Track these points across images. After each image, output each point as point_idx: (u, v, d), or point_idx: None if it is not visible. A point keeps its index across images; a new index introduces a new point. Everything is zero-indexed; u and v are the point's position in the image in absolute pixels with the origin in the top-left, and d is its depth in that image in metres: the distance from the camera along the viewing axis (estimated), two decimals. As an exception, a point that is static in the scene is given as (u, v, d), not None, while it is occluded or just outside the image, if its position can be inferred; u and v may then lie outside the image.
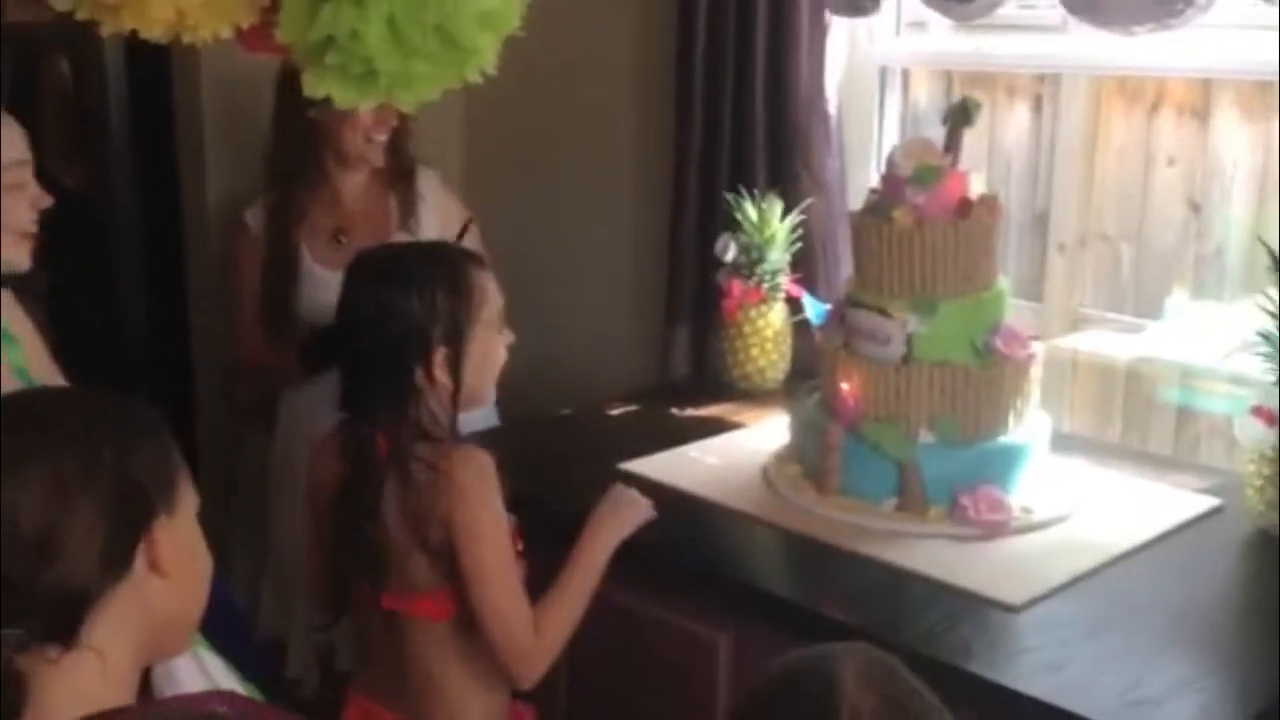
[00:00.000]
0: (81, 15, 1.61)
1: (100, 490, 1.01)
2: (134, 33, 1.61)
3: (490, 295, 1.66)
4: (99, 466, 1.01)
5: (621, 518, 1.74)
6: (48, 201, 1.57)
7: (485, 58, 1.80)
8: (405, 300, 1.58)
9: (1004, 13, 2.30)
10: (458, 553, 1.56)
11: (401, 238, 2.31)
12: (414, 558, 1.58)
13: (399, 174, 2.45)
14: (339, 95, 1.74)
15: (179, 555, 1.06)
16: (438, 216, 2.45)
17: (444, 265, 1.64)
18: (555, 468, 2.09)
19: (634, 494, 1.78)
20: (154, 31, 1.61)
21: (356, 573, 1.63)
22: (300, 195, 2.36)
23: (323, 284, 2.21)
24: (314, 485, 1.69)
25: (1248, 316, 1.83)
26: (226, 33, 1.67)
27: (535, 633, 1.61)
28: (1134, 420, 2.31)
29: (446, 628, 1.62)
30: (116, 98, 3.11)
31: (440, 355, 1.59)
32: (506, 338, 1.70)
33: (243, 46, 1.77)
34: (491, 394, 1.72)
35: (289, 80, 2.11)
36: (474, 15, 1.74)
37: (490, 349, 1.66)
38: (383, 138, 2.38)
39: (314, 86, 1.73)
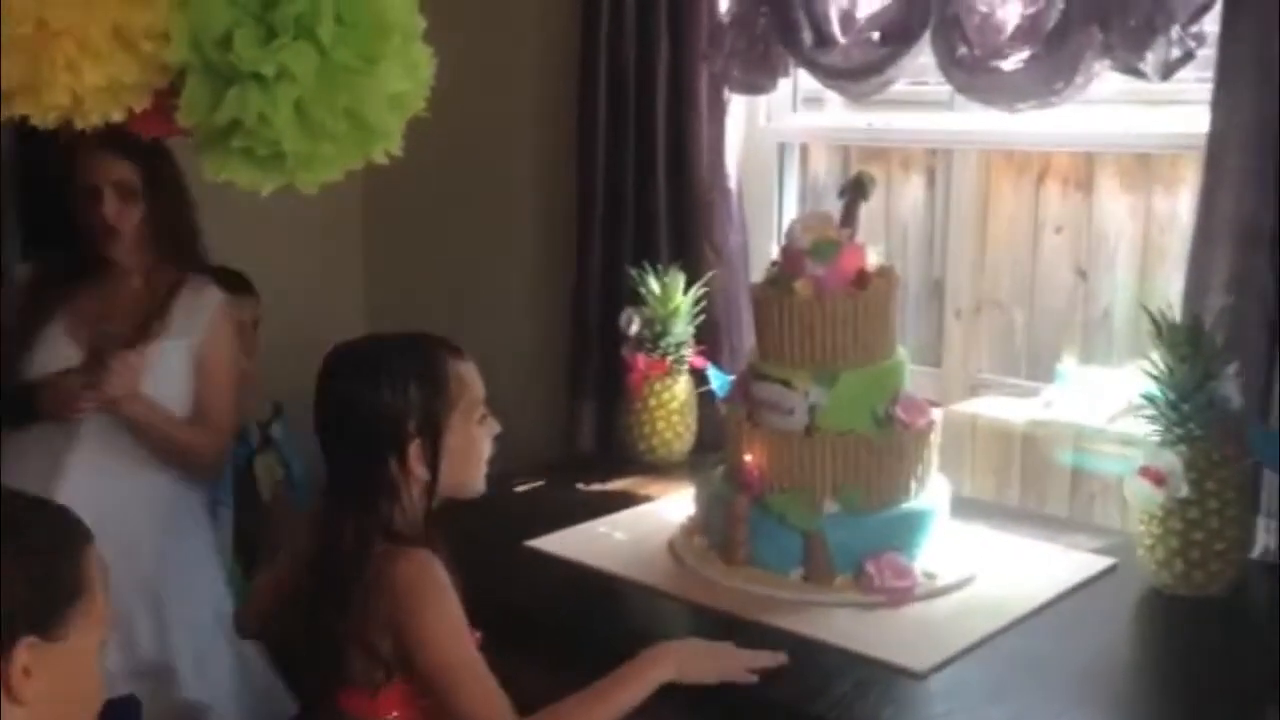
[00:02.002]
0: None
1: None
2: (24, 118, 1.59)
3: (469, 385, 1.61)
4: None
5: (688, 659, 1.59)
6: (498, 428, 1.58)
7: (391, 138, 1.82)
8: (377, 393, 1.55)
9: (897, 90, 2.39)
10: (413, 660, 1.50)
11: (154, 349, 2.11)
12: (358, 655, 1.52)
13: (162, 279, 2.18)
14: (242, 178, 1.74)
15: (48, 685, 1.00)
16: (205, 341, 2.18)
17: (418, 356, 1.60)
18: (461, 546, 2.06)
19: (723, 649, 1.63)
20: (48, 118, 1.59)
21: (309, 665, 1.59)
22: (62, 268, 2.17)
23: (61, 358, 2.07)
24: (293, 558, 1.65)
25: (1134, 379, 1.90)
26: (119, 116, 1.65)
27: None
28: (1032, 482, 2.37)
29: None
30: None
31: (415, 448, 1.56)
32: (491, 427, 1.65)
33: (135, 129, 1.75)
34: (480, 484, 1.66)
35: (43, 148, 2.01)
36: (385, 98, 1.76)
37: (471, 440, 1.62)
38: (124, 228, 2.11)
39: (217, 169, 1.73)
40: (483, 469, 1.65)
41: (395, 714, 1.54)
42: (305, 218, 2.91)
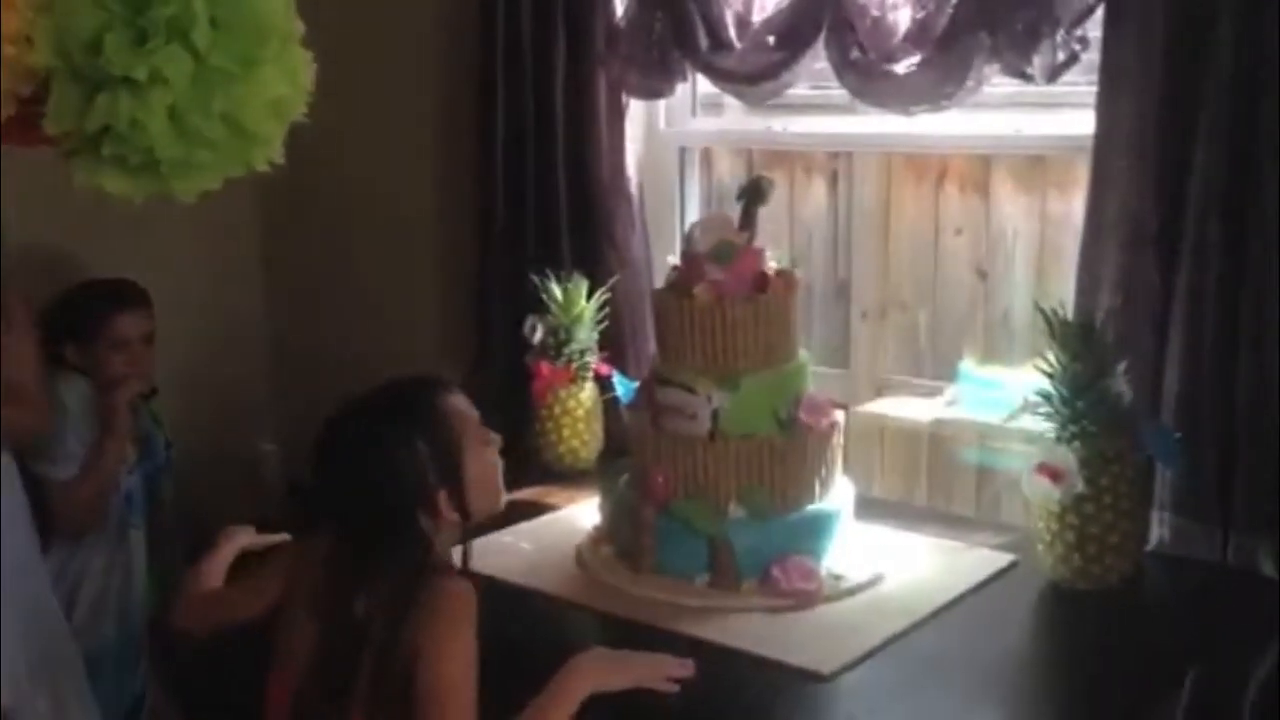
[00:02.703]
0: None
1: None
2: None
3: (464, 414, 1.61)
4: None
5: (602, 671, 1.56)
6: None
7: (272, 145, 1.76)
8: (392, 463, 1.54)
9: (798, 93, 2.39)
10: (416, 673, 1.47)
11: None
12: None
13: None
14: (114, 186, 1.67)
15: None
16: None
17: (414, 411, 1.58)
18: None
19: (633, 656, 1.61)
20: (-97, 127, 1.52)
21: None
22: None
23: None
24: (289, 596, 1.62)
25: (1032, 377, 1.91)
26: (-18, 125, 1.58)
27: None
28: (938, 481, 2.39)
29: None
30: None
31: (442, 497, 1.56)
32: (495, 443, 1.65)
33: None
34: (501, 499, 1.68)
35: None
36: (263, 103, 1.70)
37: (485, 465, 1.62)
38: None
39: (87, 178, 1.66)
40: (500, 485, 1.67)
41: None
42: (201, 230, 2.85)
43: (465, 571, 1.59)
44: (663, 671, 1.58)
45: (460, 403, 1.62)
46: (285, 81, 1.70)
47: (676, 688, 1.56)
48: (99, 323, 2.31)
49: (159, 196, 1.70)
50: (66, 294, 2.36)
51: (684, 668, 1.59)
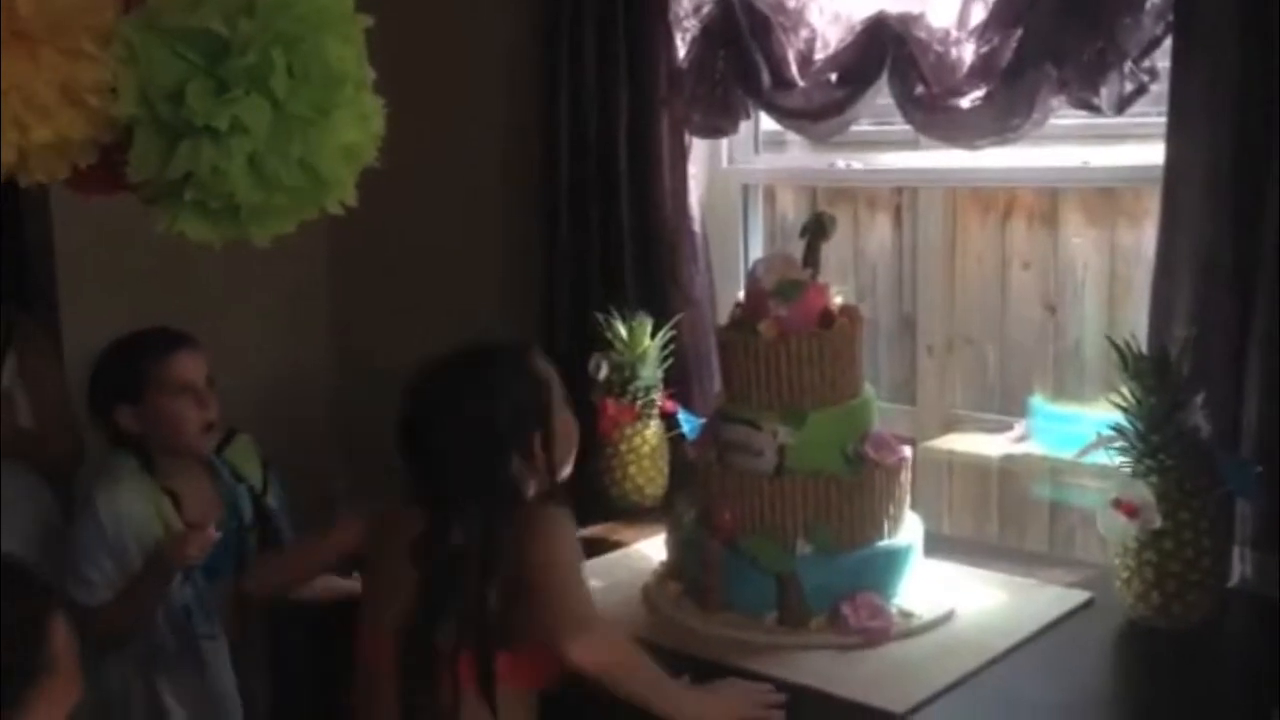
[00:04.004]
0: (-88, 160, 1.57)
1: None
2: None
3: (555, 378, 1.76)
4: None
5: (720, 700, 1.64)
6: None
7: (345, 189, 1.80)
8: (492, 402, 1.67)
9: (859, 129, 2.40)
10: (524, 593, 1.59)
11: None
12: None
13: None
14: (195, 231, 1.72)
15: None
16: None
17: (509, 359, 1.75)
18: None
19: (746, 689, 1.67)
20: (-8, 176, 1.58)
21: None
22: None
23: None
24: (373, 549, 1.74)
25: (1106, 411, 1.89)
26: (64, 174, 1.64)
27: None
28: (1010, 518, 2.35)
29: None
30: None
31: (536, 439, 1.68)
32: (569, 408, 1.78)
33: (77, 188, 1.73)
34: (570, 467, 1.80)
35: None
36: (337, 148, 1.75)
37: (568, 426, 1.77)
38: None
39: (169, 223, 1.71)
40: (573, 454, 1.79)
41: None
42: (273, 273, 2.91)
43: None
44: (760, 700, 1.63)
45: (546, 365, 1.77)
46: (358, 127, 1.75)
47: (780, 714, 1.61)
48: (156, 369, 2.09)
49: (236, 240, 1.74)
50: (107, 352, 2.15)
51: (774, 695, 1.64)
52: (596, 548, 2.23)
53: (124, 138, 1.65)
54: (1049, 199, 2.33)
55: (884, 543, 1.90)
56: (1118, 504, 1.81)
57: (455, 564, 1.63)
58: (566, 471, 1.78)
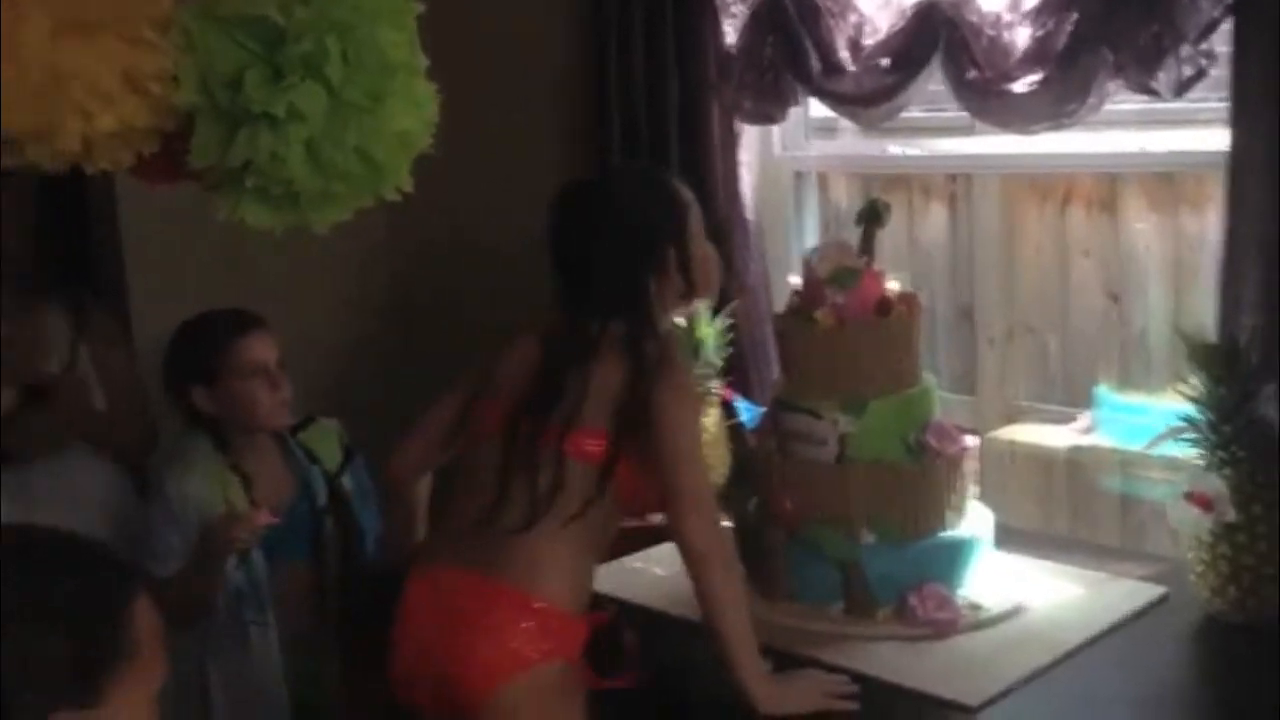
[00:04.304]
0: (-21, 151, 1.57)
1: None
2: (35, 164, 1.57)
3: (694, 205, 1.79)
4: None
5: (795, 691, 1.62)
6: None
7: (400, 176, 1.80)
8: (629, 214, 1.73)
9: (912, 115, 2.36)
10: (653, 430, 1.64)
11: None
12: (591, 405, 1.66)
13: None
14: (255, 218, 1.72)
15: None
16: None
17: (651, 178, 1.83)
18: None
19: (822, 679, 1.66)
20: (59, 163, 1.58)
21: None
22: None
23: None
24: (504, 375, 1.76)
25: (1174, 401, 1.84)
26: (129, 161, 1.63)
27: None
28: (1078, 510, 2.31)
29: (594, 481, 1.66)
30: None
31: (671, 255, 1.72)
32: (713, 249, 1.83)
33: (141, 176, 1.73)
34: (715, 291, 1.89)
35: None
36: (391, 135, 1.75)
37: (707, 248, 1.80)
38: None
39: (230, 210, 1.71)
40: (718, 276, 1.84)
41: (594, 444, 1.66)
42: (333, 255, 2.89)
43: None
44: (835, 690, 1.61)
45: (686, 189, 1.81)
46: (411, 114, 1.75)
47: (854, 704, 1.59)
48: (227, 352, 2.11)
49: (296, 227, 1.74)
50: (180, 334, 2.18)
51: (848, 685, 1.63)
52: (660, 535, 2.20)
53: (185, 125, 1.65)
54: (1108, 185, 2.28)
55: (949, 533, 1.87)
56: (1190, 497, 1.77)
57: (585, 350, 1.68)
58: (713, 290, 1.86)
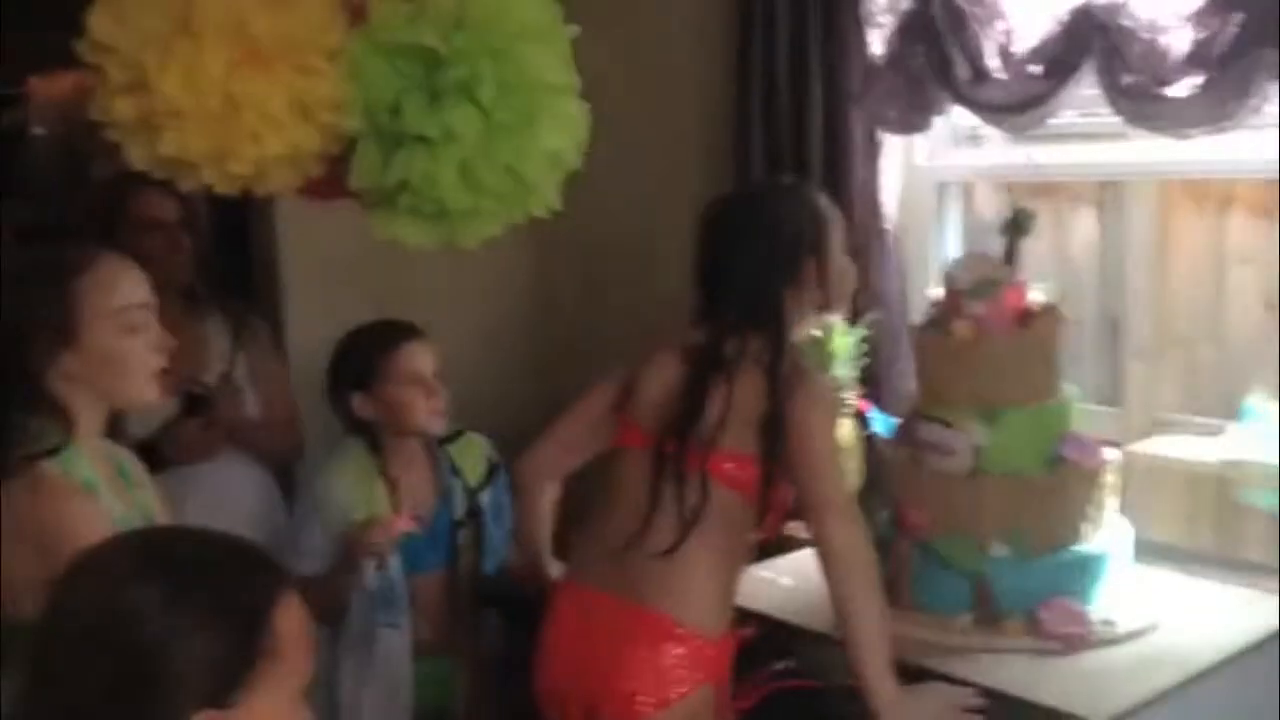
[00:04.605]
0: (159, 174, 1.72)
1: (131, 674, 0.95)
2: (209, 186, 1.71)
3: (837, 219, 1.87)
4: (142, 647, 0.96)
5: (923, 703, 1.64)
6: (172, 343, 1.60)
7: (548, 193, 1.88)
8: (777, 229, 1.79)
9: (1059, 122, 2.32)
10: (793, 442, 1.69)
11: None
12: (733, 428, 1.71)
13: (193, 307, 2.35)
14: (410, 235, 1.83)
15: None
16: (256, 357, 2.42)
17: (797, 196, 1.88)
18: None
19: (950, 692, 1.68)
20: (232, 186, 1.71)
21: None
22: None
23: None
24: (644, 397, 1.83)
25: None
26: (297, 184, 1.76)
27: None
28: (1225, 525, 2.23)
29: (736, 502, 1.72)
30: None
31: (810, 266, 1.79)
32: (850, 263, 1.89)
33: (305, 194, 1.86)
34: (847, 304, 1.97)
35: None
36: (541, 154, 1.83)
37: (844, 265, 1.87)
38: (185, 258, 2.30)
39: (385, 228, 1.83)
40: (851, 289, 1.92)
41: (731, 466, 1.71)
42: (479, 272, 3.02)
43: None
44: (963, 702, 1.63)
45: (830, 203, 1.87)
46: (561, 134, 1.82)
47: (983, 718, 1.60)
48: (386, 360, 2.19)
49: (447, 243, 1.84)
50: (343, 343, 2.26)
51: (976, 698, 1.64)
52: (789, 545, 2.25)
53: (347, 148, 1.77)
54: (1270, 190, 2.20)
55: (1082, 547, 1.85)
56: (1343, 513, 1.71)
57: (724, 368, 1.73)
58: (844, 302, 1.93)
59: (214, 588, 1.01)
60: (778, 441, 1.69)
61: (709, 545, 1.70)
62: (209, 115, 1.63)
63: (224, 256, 2.91)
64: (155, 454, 2.05)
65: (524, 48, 1.79)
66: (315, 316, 2.82)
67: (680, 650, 1.66)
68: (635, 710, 1.66)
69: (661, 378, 1.80)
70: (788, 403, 1.69)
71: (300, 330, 2.86)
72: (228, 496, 2.29)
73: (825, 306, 1.84)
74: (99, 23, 1.64)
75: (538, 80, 1.77)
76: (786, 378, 1.71)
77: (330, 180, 1.80)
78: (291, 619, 1.03)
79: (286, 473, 2.63)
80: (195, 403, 2.22)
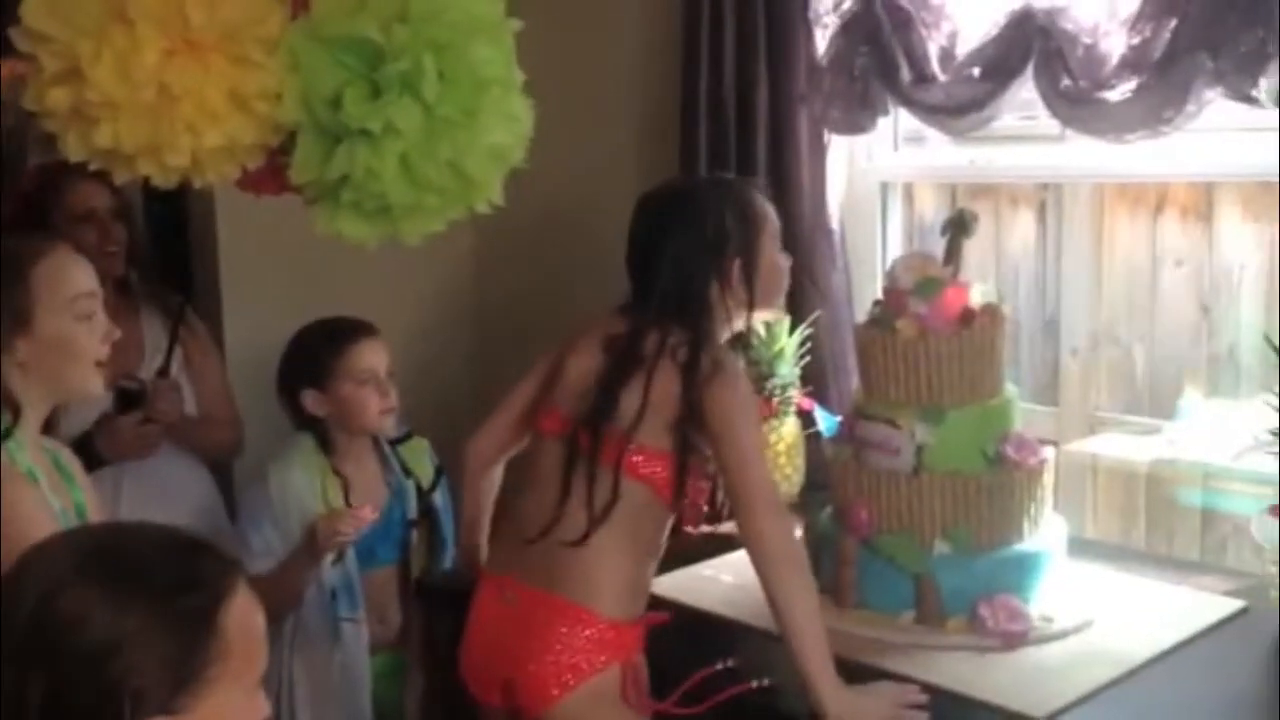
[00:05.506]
0: (94, 166, 1.68)
1: (78, 685, 0.93)
2: (145, 178, 1.67)
3: (771, 217, 1.83)
4: (86, 655, 0.94)
5: (867, 701, 1.62)
6: (116, 333, 1.60)
7: (491, 189, 1.87)
8: (701, 223, 1.76)
9: (1002, 124, 2.35)
10: (714, 438, 1.68)
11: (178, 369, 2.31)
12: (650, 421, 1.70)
13: (130, 300, 2.32)
14: (350, 230, 1.80)
15: None
16: (196, 350, 2.38)
17: (729, 189, 1.84)
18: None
19: (893, 690, 1.65)
20: (168, 178, 1.68)
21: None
22: None
23: None
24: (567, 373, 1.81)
25: (1261, 414, 1.82)
26: (234, 176, 1.73)
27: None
28: (1158, 523, 2.28)
29: (648, 497, 1.71)
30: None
31: (736, 266, 1.75)
32: (786, 258, 1.85)
33: (245, 187, 1.83)
34: (781, 304, 1.93)
35: None
36: (484, 149, 1.81)
37: (777, 259, 1.83)
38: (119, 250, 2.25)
39: (326, 223, 1.80)
40: (784, 290, 1.88)
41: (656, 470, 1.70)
42: (419, 270, 3.00)
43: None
44: (906, 699, 1.62)
45: (768, 204, 1.84)
46: (505, 129, 1.81)
47: (925, 715, 1.59)
48: (340, 357, 2.20)
49: (388, 239, 1.82)
50: (296, 339, 2.27)
51: (919, 695, 1.63)
52: (731, 543, 2.24)
53: (289, 140, 1.74)
54: (1204, 194, 2.25)
55: (1023, 545, 1.87)
56: (1274, 510, 1.75)
57: (642, 362, 1.71)
58: (770, 312, 1.88)
59: (159, 589, 0.98)
60: (692, 437, 1.69)
61: (620, 536, 1.70)
62: (144, 106, 1.60)
63: (162, 250, 2.86)
64: (89, 451, 2.03)
65: (467, 41, 1.78)
66: (254, 312, 2.79)
67: (589, 632, 1.67)
68: (547, 691, 1.67)
69: (581, 366, 1.79)
70: (706, 399, 1.67)
71: (239, 326, 2.83)
72: (164, 494, 2.25)
73: (752, 306, 1.79)
74: (33, 10, 1.60)
75: (481, 75, 1.76)
76: (705, 374, 1.69)
77: (271, 173, 1.77)
78: (241, 613, 1.01)
79: (224, 471, 2.60)
80: (129, 398, 2.17)
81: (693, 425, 1.69)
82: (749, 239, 1.77)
